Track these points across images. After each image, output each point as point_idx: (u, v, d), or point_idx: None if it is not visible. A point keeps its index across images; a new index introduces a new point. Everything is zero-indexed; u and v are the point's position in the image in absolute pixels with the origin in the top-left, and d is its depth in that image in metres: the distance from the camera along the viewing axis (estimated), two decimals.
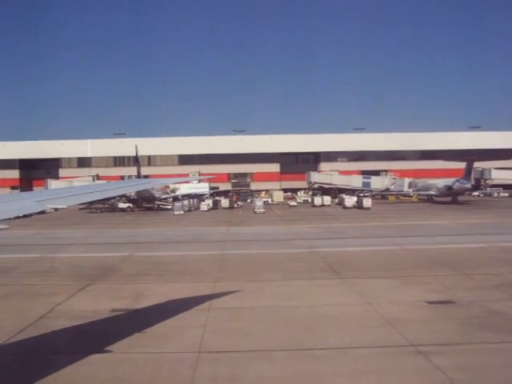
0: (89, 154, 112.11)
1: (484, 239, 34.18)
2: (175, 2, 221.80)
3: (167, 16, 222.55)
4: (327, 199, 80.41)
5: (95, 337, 14.83)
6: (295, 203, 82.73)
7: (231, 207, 78.72)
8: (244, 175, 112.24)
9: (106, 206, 77.98)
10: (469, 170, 76.76)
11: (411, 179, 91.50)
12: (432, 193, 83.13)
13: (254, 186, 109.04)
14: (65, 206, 10.62)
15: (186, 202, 75.89)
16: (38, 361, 12.83)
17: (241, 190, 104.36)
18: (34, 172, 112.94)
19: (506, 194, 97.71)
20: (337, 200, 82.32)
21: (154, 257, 30.08)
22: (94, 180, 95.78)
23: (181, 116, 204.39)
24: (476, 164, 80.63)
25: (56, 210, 11.86)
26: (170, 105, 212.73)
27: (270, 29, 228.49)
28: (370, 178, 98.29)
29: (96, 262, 28.39)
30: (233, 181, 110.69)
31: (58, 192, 12.55)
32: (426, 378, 11.55)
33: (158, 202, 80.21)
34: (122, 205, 76.78)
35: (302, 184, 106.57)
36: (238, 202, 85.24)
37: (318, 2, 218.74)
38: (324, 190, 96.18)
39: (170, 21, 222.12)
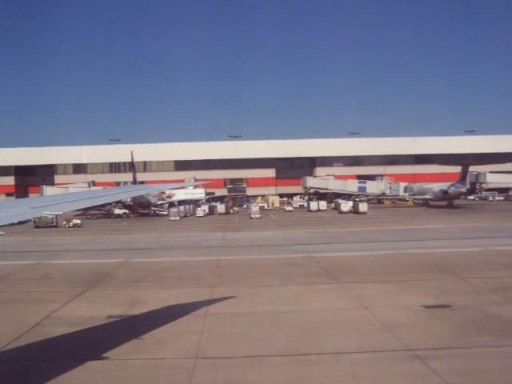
0: (84, 161, 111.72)
1: (480, 243, 34.26)
2: (172, 8, 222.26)
3: (164, 22, 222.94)
4: (323, 204, 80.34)
5: (92, 343, 14.79)
6: (291, 208, 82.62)
7: (227, 213, 78.58)
8: (240, 180, 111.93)
9: (102, 212, 77.77)
10: (464, 173, 76.87)
11: (407, 183, 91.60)
12: (427, 197, 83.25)
13: (249, 192, 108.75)
14: (60, 213, 10.62)
15: (181, 208, 75.76)
16: (35, 368, 12.79)
17: (237, 196, 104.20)
18: (29, 178, 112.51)
19: (502, 198, 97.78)
20: (333, 205, 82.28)
21: (150, 263, 30.02)
22: (89, 186, 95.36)
23: (177, 122, 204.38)
24: (471, 168, 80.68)
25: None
26: (166, 111, 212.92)
27: (266, 35, 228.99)
28: (365, 183, 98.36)
29: (92, 268, 28.31)
30: (229, 186, 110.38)
31: (54, 199, 12.54)
32: (423, 382, 11.58)
33: (154, 208, 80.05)
34: (117, 211, 76.60)
35: (298, 189, 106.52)
36: (234, 208, 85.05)
37: (314, 9, 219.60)
38: (320, 195, 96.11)
39: (166, 27, 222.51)
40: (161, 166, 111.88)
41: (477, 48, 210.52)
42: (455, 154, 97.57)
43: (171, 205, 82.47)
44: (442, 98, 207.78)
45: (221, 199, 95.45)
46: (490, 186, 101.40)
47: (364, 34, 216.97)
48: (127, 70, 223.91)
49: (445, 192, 77.09)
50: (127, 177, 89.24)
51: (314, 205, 79.50)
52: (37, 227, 58.58)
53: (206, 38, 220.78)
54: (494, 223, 50.89)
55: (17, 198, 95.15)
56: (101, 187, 76.29)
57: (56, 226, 59.14)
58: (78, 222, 60.58)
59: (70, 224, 59.54)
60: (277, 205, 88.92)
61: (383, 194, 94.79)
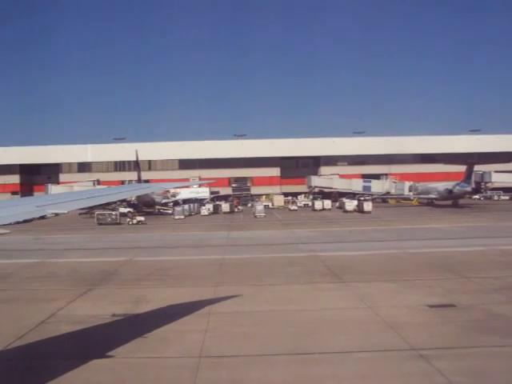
0: (89, 159, 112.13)
1: (485, 242, 34.14)
2: (175, 6, 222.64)
3: (167, 21, 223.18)
4: (328, 203, 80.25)
5: (96, 342, 14.81)
6: (296, 207, 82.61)
7: (232, 211, 78.62)
8: (244, 179, 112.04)
9: (107, 210, 77.92)
10: (469, 173, 76.66)
11: (411, 183, 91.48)
12: (432, 196, 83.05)
13: (254, 191, 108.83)
14: (65, 211, 10.63)
15: (186, 207, 75.85)
16: (39, 366, 12.81)
17: (241, 195, 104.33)
18: (34, 177, 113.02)
19: (507, 197, 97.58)
20: (337, 204, 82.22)
21: (154, 261, 30.07)
22: (94, 185, 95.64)
23: (181, 121, 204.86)
24: (476, 167, 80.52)
25: (56, 215, 11.88)
26: (171, 109, 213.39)
27: (269, 34, 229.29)
28: (370, 182, 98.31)
29: (96, 266, 28.35)
30: (233, 185, 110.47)
31: (59, 197, 12.56)
32: (428, 381, 11.52)
33: (159, 207, 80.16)
34: (122, 210, 76.68)
35: (303, 188, 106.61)
36: (239, 207, 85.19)
37: (317, 7, 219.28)
38: (324, 194, 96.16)
39: (170, 26, 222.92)
40: (165, 164, 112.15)
41: (482, 46, 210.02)
42: (460, 153, 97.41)
43: (176, 203, 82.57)
44: (447, 97, 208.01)
45: (225, 198, 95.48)
46: (495, 185, 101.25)
47: (368, 32, 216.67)
48: (132, 69, 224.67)
49: (450, 191, 76.89)
50: (132, 175, 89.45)
51: (318, 204, 79.40)
52: (100, 224, 59.75)
53: (210, 36, 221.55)
54: (498, 223, 50.76)
55: (22, 196, 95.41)
56: (105, 186, 76.54)
57: (119, 223, 60.06)
58: (142, 219, 61.81)
59: (134, 221, 60.61)
60: (281, 204, 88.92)
61: (388, 193, 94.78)
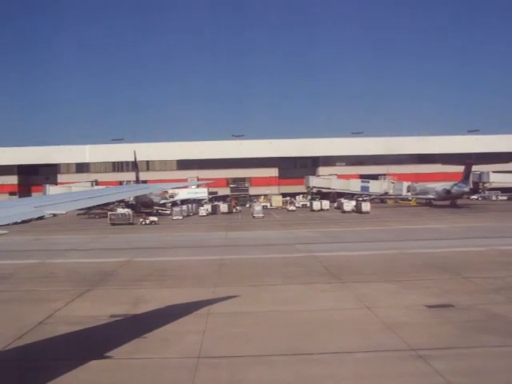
0: (87, 160, 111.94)
1: (483, 243, 34.15)
2: (174, 7, 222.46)
3: (166, 21, 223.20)
4: (326, 203, 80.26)
5: (95, 343, 14.78)
6: (294, 208, 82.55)
7: (230, 212, 78.59)
8: (243, 180, 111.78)
9: (106, 211, 77.74)
10: (467, 173, 76.73)
11: (410, 183, 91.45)
12: (430, 196, 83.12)
13: (252, 191, 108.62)
14: (63, 212, 10.62)
15: (184, 207, 75.76)
16: (38, 367, 12.79)
17: (239, 195, 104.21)
18: (32, 178, 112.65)
19: (505, 197, 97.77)
20: (335, 204, 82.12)
21: (153, 262, 30.03)
22: (92, 185, 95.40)
23: (179, 121, 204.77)
24: (474, 167, 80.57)
25: (54, 215, 11.87)
26: (169, 110, 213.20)
27: (268, 34, 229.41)
28: (368, 182, 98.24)
29: (95, 267, 28.31)
30: (231, 186, 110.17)
31: (57, 198, 12.55)
32: (426, 382, 11.54)
33: (157, 207, 79.97)
34: (120, 210, 76.51)
35: (301, 188, 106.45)
36: (237, 207, 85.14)
37: (316, 8, 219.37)
38: (323, 195, 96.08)
39: (168, 26, 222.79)
40: (163, 165, 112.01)
41: (480, 47, 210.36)
42: (458, 153, 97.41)
43: (174, 204, 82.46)
44: (445, 97, 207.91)
45: (223, 199, 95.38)
46: (493, 185, 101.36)
47: (366, 33, 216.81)
48: (130, 70, 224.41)
49: (448, 191, 76.97)
50: (130, 176, 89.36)
51: (316, 204, 79.38)
52: (113, 224, 60.05)
53: (208, 37, 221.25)
54: (497, 223, 50.78)
55: (20, 197, 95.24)
56: (104, 186, 76.40)
57: (132, 223, 60.22)
58: (155, 219, 62.20)
59: (147, 221, 60.82)
60: (279, 204, 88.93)
61: (386, 193, 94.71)
